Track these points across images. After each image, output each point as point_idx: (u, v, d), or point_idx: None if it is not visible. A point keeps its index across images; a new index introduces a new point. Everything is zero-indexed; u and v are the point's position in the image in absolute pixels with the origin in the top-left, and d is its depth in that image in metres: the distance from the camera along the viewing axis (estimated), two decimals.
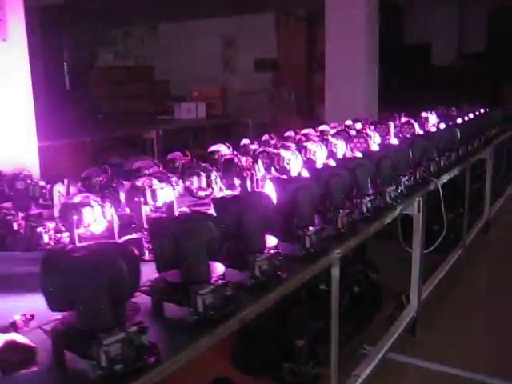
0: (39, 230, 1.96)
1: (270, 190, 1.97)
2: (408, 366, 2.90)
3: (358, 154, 2.87)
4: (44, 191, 2.13)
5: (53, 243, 2.00)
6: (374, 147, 3.22)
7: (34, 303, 1.54)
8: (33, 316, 1.43)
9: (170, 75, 11.80)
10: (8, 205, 2.25)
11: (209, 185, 2.24)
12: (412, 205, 2.90)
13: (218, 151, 2.88)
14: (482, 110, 5.17)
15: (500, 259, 4.48)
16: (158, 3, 13.58)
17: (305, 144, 2.88)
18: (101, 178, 2.23)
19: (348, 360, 2.60)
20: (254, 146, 3.13)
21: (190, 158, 2.94)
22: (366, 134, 3.47)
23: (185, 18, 13.70)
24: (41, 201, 2.15)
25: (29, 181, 2.26)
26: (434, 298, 3.45)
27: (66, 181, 2.16)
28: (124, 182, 2.07)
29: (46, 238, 1.98)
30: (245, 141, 3.24)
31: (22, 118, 3.05)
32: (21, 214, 2.09)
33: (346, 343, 2.65)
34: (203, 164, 2.41)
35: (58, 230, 2.00)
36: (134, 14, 14.88)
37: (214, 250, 1.48)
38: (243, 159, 2.39)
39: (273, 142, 3.35)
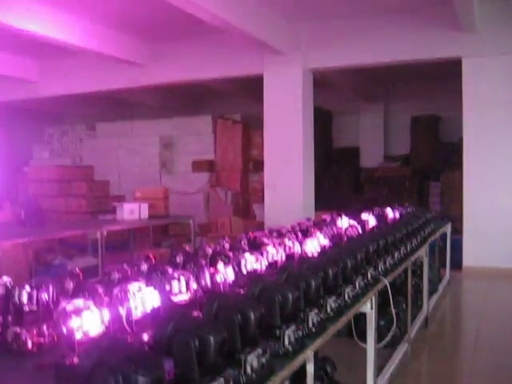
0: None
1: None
2: None
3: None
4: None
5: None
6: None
7: None
8: None
9: (108, 175, 11.95)
10: None
11: (188, 288, 2.38)
12: (365, 303, 3.11)
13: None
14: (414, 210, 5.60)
15: (440, 352, 4.74)
16: (95, 105, 13.99)
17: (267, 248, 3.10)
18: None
19: None
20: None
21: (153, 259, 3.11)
22: (317, 236, 3.74)
23: (123, 119, 14.07)
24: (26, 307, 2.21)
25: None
26: None
27: (50, 286, 2.27)
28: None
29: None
30: None
31: None
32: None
33: None
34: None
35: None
36: (71, 114, 15.21)
37: None
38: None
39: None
